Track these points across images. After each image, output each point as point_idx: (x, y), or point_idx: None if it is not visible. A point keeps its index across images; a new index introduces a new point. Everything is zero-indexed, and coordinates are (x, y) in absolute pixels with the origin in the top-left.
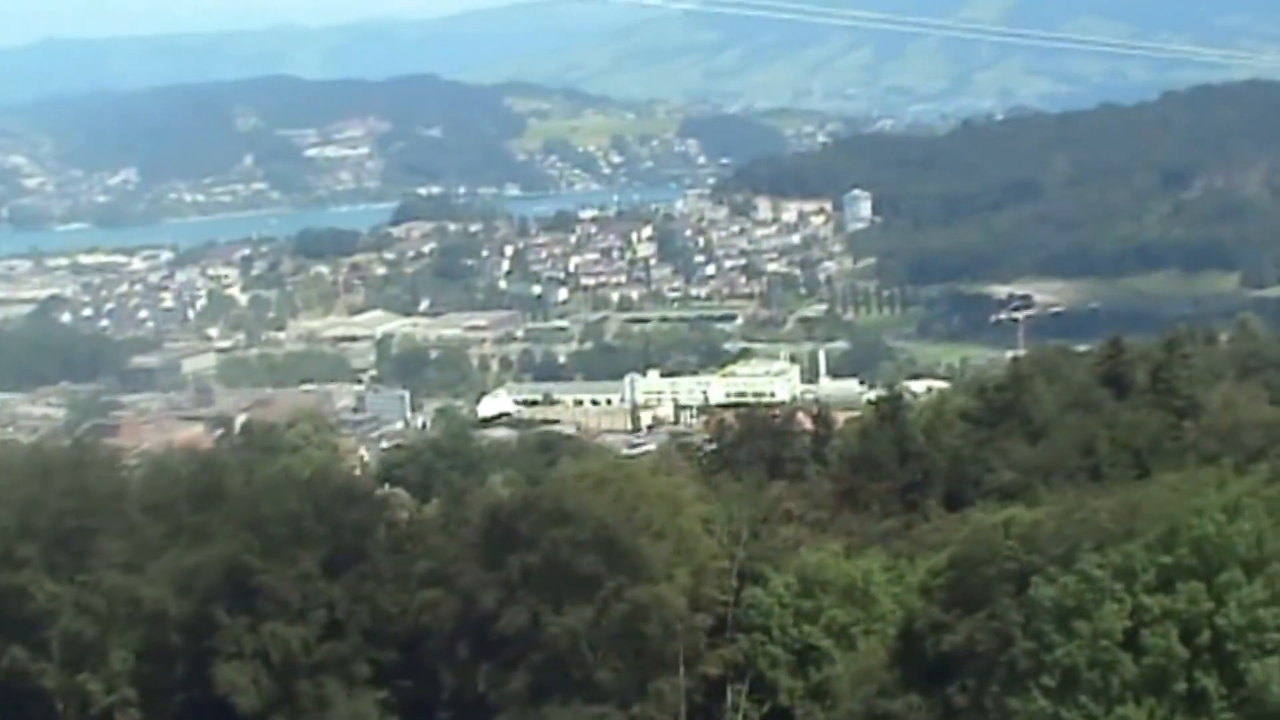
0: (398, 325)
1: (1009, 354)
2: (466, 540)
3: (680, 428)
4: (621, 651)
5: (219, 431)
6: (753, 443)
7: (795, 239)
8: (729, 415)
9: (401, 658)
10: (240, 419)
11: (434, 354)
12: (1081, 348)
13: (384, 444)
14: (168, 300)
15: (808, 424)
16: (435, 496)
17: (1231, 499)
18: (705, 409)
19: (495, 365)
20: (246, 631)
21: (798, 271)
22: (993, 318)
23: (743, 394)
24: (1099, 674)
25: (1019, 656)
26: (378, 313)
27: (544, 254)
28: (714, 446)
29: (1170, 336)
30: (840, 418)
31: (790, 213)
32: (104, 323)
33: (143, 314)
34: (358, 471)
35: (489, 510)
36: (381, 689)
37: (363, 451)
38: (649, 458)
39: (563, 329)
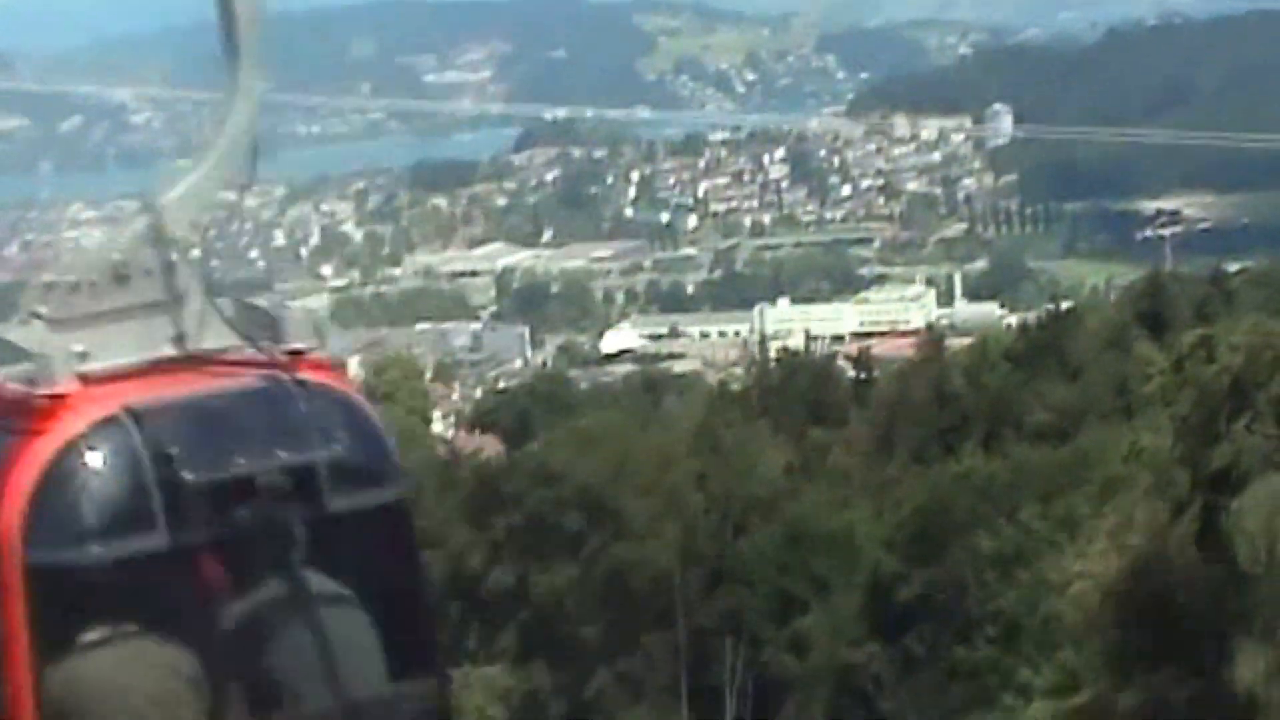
0: (519, 258)
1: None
2: (456, 501)
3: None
4: (608, 609)
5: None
6: (793, 387)
7: (935, 157)
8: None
9: None
10: (353, 361)
11: (556, 287)
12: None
13: (501, 384)
14: (279, 238)
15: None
16: (529, 441)
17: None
18: (837, 338)
19: (620, 298)
20: None
21: (937, 190)
22: (1138, 235)
23: (876, 321)
24: (1039, 623)
25: (971, 607)
26: (498, 245)
27: (672, 179)
28: (756, 392)
29: (1215, 268)
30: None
31: (929, 129)
32: (214, 262)
33: (254, 253)
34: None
35: (476, 471)
36: None
37: (477, 393)
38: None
39: (691, 258)
